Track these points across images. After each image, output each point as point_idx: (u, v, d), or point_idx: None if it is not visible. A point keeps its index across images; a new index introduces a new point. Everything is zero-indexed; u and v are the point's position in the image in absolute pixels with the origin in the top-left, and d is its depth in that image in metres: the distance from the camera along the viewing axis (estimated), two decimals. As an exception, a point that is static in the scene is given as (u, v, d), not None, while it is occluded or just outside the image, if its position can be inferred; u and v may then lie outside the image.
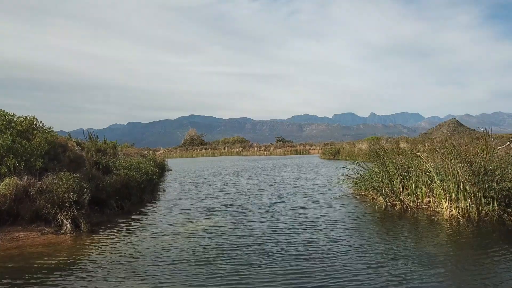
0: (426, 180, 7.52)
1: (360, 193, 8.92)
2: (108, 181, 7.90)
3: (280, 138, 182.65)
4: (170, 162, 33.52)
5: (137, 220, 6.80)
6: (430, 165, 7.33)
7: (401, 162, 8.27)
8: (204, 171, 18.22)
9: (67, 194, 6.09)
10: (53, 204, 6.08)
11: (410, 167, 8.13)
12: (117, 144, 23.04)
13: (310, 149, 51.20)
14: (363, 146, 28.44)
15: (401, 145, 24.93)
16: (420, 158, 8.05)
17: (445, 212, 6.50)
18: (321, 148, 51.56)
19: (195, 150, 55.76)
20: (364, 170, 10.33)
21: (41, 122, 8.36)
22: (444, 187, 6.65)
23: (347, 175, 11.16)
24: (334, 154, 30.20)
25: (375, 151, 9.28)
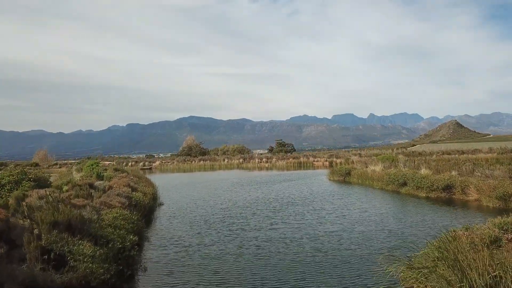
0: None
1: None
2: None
3: (280, 141, 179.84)
4: (163, 181, 30.70)
5: None
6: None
7: (490, 271, 5.54)
8: (199, 212, 15.56)
9: None
10: None
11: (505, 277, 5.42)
12: (101, 174, 20.28)
13: (314, 161, 48.44)
14: (377, 168, 25.77)
15: (422, 171, 22.17)
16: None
17: None
18: (326, 160, 48.89)
19: (193, 162, 52.91)
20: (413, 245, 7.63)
21: None
22: None
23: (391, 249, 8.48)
24: (344, 175, 27.50)
25: (451, 254, 6.47)
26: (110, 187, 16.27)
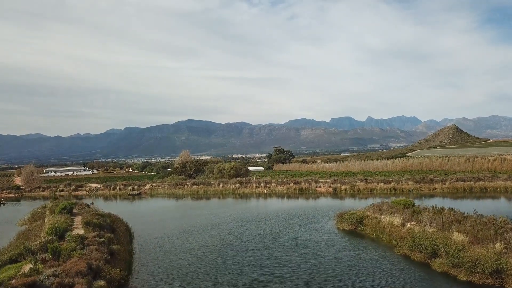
0: None
1: None
2: None
3: (279, 148, 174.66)
4: (148, 222, 26.68)
5: None
6: None
7: None
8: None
9: None
10: None
11: None
12: (58, 249, 16.21)
13: (316, 187, 44.49)
14: (395, 220, 21.98)
15: (455, 236, 18.26)
16: None
17: None
18: (329, 186, 45.04)
19: (186, 186, 48.74)
20: None
21: None
22: None
23: None
24: (355, 224, 23.70)
25: None
26: (59, 285, 12.36)
